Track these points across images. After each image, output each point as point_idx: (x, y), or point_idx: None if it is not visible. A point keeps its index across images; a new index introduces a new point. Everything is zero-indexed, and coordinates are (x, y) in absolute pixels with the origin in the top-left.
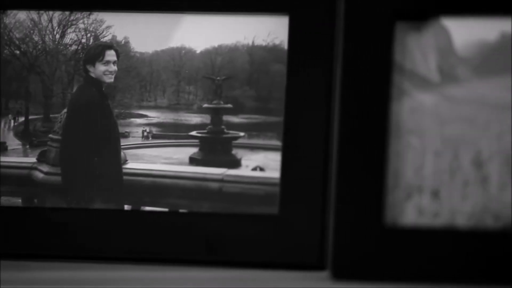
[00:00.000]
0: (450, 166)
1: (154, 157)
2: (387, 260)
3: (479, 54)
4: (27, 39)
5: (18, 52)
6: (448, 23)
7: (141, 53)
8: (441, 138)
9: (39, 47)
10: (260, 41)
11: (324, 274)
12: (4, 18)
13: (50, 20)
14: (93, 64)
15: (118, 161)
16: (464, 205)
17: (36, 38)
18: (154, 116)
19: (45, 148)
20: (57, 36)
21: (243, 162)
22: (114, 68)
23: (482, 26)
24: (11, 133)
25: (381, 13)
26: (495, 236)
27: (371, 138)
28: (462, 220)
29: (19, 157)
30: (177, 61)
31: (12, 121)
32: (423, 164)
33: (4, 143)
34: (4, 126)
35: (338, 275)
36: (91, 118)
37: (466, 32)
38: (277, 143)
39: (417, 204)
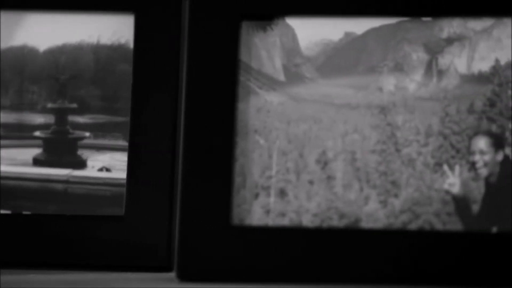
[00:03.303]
0: (296, 165)
1: None
2: (234, 260)
3: (324, 53)
4: None
5: None
6: (293, 22)
7: None
8: (287, 137)
9: None
10: (106, 40)
11: (171, 275)
12: None
13: None
14: None
15: None
16: (310, 204)
17: None
18: None
19: None
20: None
21: (89, 162)
22: None
23: (327, 25)
24: None
25: (226, 13)
26: (341, 234)
27: (218, 138)
28: (308, 219)
29: None
30: (20, 60)
31: None
32: (269, 163)
33: None
34: None
35: (184, 276)
36: None
37: (310, 31)
38: (124, 143)
39: (264, 203)
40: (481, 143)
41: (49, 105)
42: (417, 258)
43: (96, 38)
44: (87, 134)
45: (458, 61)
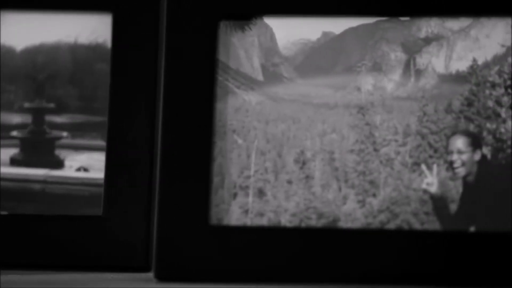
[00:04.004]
0: (274, 165)
1: None
2: (212, 260)
3: (302, 53)
4: None
5: None
6: (271, 22)
7: None
8: (265, 137)
9: None
10: (83, 39)
11: (150, 275)
12: None
13: None
14: None
15: None
16: (288, 203)
17: None
18: None
19: None
20: None
21: (67, 162)
22: None
23: (305, 25)
24: None
25: (204, 12)
26: (320, 234)
27: (196, 138)
28: (286, 219)
29: None
30: None
31: None
32: (248, 163)
33: None
34: None
35: (162, 276)
36: None
37: (288, 31)
38: (102, 143)
39: (242, 203)
40: (459, 142)
41: (26, 104)
42: (395, 258)
43: (73, 37)
44: (65, 134)
45: (436, 61)
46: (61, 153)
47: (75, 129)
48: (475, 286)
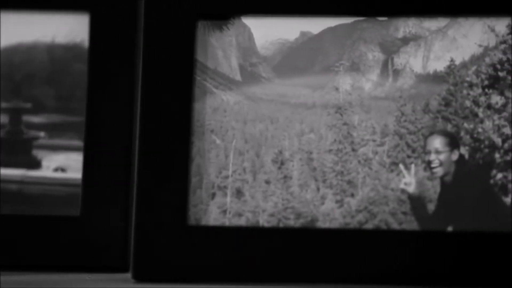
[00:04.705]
0: (253, 165)
1: None
2: (190, 261)
3: (280, 53)
4: None
5: None
6: (249, 22)
7: None
8: (243, 137)
9: None
10: (60, 39)
11: (127, 275)
12: None
13: None
14: None
15: None
16: (267, 204)
17: None
18: None
19: None
20: None
21: (44, 163)
22: None
23: (283, 25)
24: None
25: (182, 12)
26: (298, 234)
27: (174, 138)
28: (264, 219)
29: None
30: None
31: None
32: (226, 163)
33: None
34: None
35: (139, 276)
36: None
37: (266, 31)
38: (79, 143)
39: (220, 203)
40: (437, 142)
41: (3, 104)
42: (373, 258)
43: (51, 37)
44: (42, 134)
45: (414, 61)
46: (38, 153)
47: (53, 129)
48: (452, 286)
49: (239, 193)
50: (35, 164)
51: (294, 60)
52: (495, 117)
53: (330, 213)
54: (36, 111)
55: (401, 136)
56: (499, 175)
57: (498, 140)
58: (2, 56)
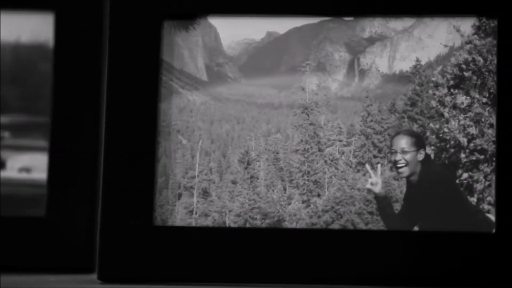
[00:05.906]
0: (219, 165)
1: None
2: (157, 261)
3: (246, 53)
4: None
5: None
6: (215, 22)
7: None
8: (210, 137)
9: None
10: (25, 39)
11: (93, 276)
12: None
13: None
14: None
15: None
16: (233, 204)
17: None
18: None
19: None
20: None
21: (9, 163)
22: None
23: (249, 25)
24: None
25: (148, 12)
26: (265, 234)
27: (140, 138)
28: (231, 219)
29: None
30: None
31: None
32: (192, 163)
33: None
34: None
35: (105, 277)
36: None
37: (233, 31)
38: (44, 143)
39: (187, 204)
40: (403, 142)
41: None
42: (340, 258)
43: (15, 36)
44: (7, 134)
45: (380, 61)
46: (2, 153)
47: (17, 129)
48: (418, 286)
49: (205, 193)
50: (0, 164)
51: (261, 60)
52: (461, 117)
53: (297, 213)
54: (1, 111)
55: (367, 136)
56: (465, 175)
57: (463, 140)
58: None
